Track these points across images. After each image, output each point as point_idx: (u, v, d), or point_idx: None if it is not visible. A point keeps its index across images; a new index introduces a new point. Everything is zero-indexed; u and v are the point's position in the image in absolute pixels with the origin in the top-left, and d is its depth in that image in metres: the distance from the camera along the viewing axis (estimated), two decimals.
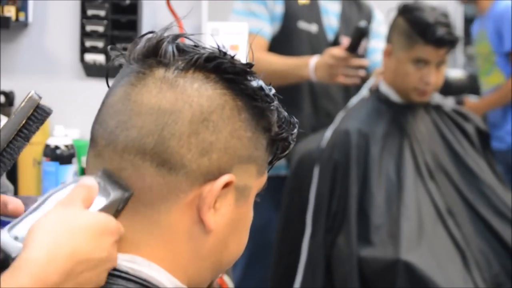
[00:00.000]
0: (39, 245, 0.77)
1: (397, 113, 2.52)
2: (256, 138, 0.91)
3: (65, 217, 0.81)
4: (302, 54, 2.71)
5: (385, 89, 2.55)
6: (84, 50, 2.09)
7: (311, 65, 2.56)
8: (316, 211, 2.42)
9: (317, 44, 2.80)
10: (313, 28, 2.79)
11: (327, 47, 2.71)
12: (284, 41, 2.76)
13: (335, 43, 2.82)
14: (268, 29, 2.74)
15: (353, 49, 2.47)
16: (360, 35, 2.47)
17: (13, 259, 0.79)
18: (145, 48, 0.89)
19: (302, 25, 2.77)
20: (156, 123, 0.86)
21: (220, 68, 0.89)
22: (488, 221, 2.39)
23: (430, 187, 2.41)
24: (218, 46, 0.90)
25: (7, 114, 1.98)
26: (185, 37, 0.93)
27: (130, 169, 0.87)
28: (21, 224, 0.83)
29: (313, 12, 2.82)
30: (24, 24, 2.09)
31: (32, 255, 0.77)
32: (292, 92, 2.72)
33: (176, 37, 0.90)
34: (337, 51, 2.49)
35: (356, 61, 2.50)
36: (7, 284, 0.74)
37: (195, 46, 0.91)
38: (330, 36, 2.84)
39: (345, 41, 2.79)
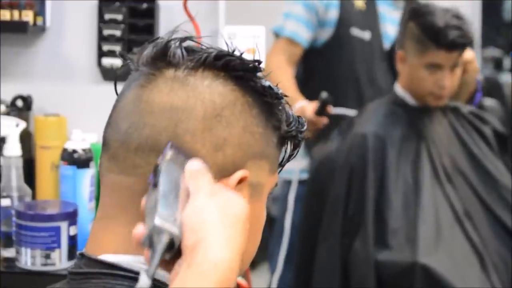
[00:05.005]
0: (218, 243, 0.75)
1: (414, 116, 2.50)
2: (267, 135, 0.92)
3: (224, 207, 0.79)
4: (353, 62, 2.75)
5: (401, 92, 2.54)
6: (101, 54, 2.10)
7: (297, 106, 2.62)
8: (332, 214, 2.41)
9: (369, 52, 2.79)
10: (366, 35, 2.78)
11: (382, 55, 2.72)
12: (336, 48, 2.75)
13: (391, 52, 2.81)
14: (306, 35, 2.73)
15: (320, 113, 2.62)
16: (324, 104, 2.61)
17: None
18: (154, 51, 0.90)
19: (355, 31, 2.76)
20: (169, 121, 0.87)
21: (229, 65, 0.90)
22: (506, 223, 2.37)
23: (448, 190, 2.39)
24: (227, 44, 0.92)
25: (25, 119, 1.99)
26: (193, 40, 0.93)
27: (145, 166, 0.87)
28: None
29: (369, 19, 2.80)
30: (42, 29, 2.10)
31: (217, 258, 0.74)
32: (336, 82, 2.75)
33: (184, 38, 0.91)
34: (308, 114, 2.57)
35: (323, 121, 2.61)
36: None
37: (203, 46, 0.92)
38: (387, 44, 2.83)
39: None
